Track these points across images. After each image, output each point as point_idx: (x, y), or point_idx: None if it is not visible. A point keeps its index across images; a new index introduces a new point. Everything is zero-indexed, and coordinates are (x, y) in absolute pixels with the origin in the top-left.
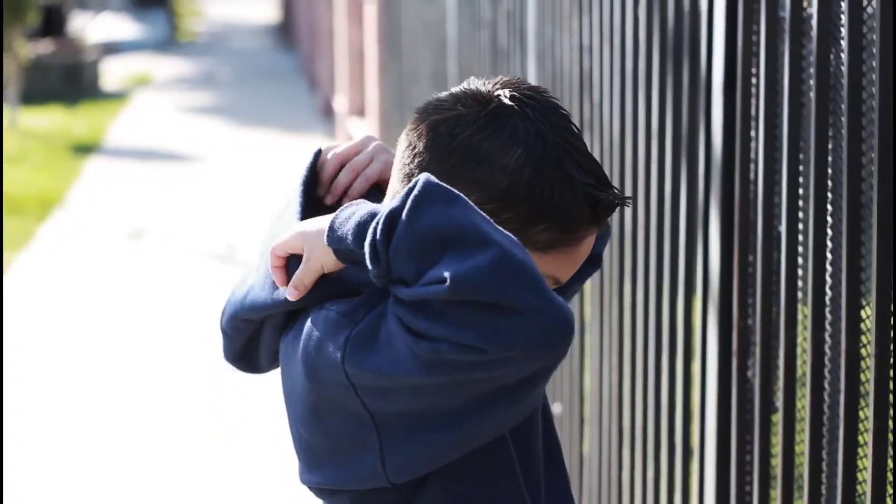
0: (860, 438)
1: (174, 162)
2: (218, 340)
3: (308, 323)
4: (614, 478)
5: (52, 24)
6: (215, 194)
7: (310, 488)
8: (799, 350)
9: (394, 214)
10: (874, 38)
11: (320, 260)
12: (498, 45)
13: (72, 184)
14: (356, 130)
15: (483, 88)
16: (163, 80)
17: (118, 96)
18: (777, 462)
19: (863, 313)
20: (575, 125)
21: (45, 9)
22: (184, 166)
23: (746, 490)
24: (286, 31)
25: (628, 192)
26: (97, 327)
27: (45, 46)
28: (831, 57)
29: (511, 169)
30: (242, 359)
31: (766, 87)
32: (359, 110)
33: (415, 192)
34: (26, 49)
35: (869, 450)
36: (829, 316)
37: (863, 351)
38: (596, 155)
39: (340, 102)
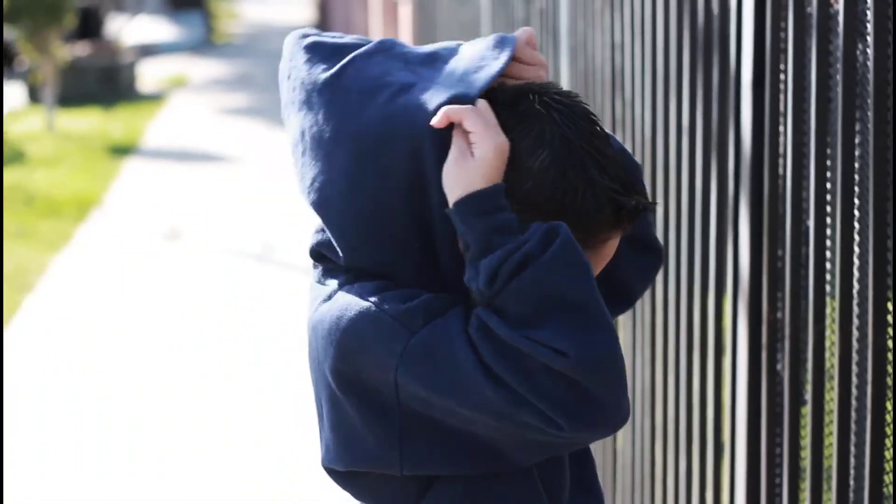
0: (887, 430)
1: (210, 163)
2: (254, 336)
3: (346, 313)
4: (647, 473)
5: (89, 27)
6: (251, 195)
7: (329, 473)
8: (827, 343)
9: (528, 256)
10: None
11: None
12: None
13: (109, 185)
14: None
15: (513, 91)
16: (199, 82)
17: (155, 98)
18: (806, 454)
19: (889, 306)
20: (603, 130)
21: (81, 11)
22: (220, 167)
23: (776, 482)
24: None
25: (659, 188)
26: (134, 327)
27: (81, 49)
28: (858, 53)
29: (536, 171)
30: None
31: (795, 83)
32: None
33: (554, 247)
34: (63, 51)
35: (891, 440)
36: (856, 309)
37: (889, 343)
38: None
39: None
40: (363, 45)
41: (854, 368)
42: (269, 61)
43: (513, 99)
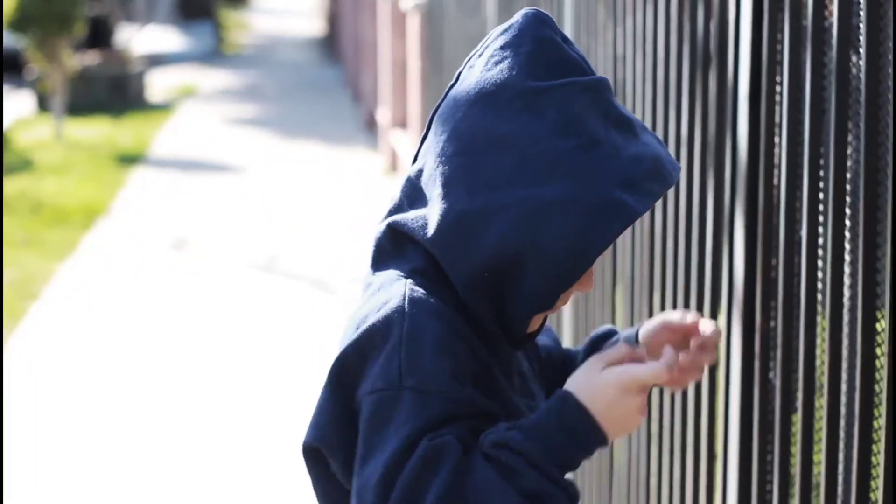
0: (874, 436)
1: (218, 173)
2: (259, 347)
3: (388, 314)
4: (642, 479)
5: (99, 36)
6: (258, 205)
7: (302, 453)
8: (818, 351)
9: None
10: (890, 45)
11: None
12: None
13: (116, 194)
14: (399, 142)
15: None
16: (208, 92)
17: (163, 108)
18: (796, 461)
19: (878, 314)
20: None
21: (91, 20)
22: (228, 177)
23: (767, 489)
24: (331, 45)
25: None
26: (139, 335)
27: (91, 58)
28: (851, 65)
29: None
30: None
31: (790, 94)
32: (401, 122)
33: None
34: (73, 60)
35: (882, 446)
36: (846, 316)
37: (878, 350)
38: None
39: (383, 115)
40: (583, 70)
41: (843, 376)
42: (278, 72)
43: None
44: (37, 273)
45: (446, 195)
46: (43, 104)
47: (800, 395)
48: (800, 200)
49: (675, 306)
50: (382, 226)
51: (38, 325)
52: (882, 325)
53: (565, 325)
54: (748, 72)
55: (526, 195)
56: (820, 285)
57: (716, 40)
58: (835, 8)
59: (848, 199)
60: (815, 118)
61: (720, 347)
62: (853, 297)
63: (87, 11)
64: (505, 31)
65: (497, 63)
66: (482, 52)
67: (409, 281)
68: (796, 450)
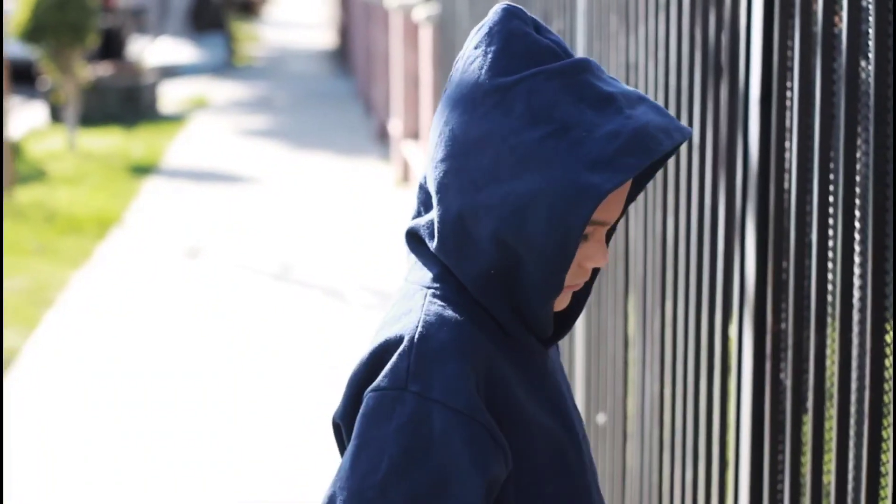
0: (883, 434)
1: (230, 183)
2: (272, 355)
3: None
4: (654, 483)
5: (112, 48)
6: (271, 215)
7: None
8: (829, 352)
9: None
10: None
11: None
12: None
13: (129, 204)
14: (411, 153)
15: None
16: (220, 104)
17: (176, 119)
18: (807, 460)
19: (888, 314)
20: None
21: (104, 32)
22: (240, 188)
23: (778, 489)
24: (342, 57)
25: (671, 203)
26: (152, 341)
27: (104, 69)
28: (860, 70)
29: None
30: None
31: (800, 100)
32: (413, 133)
33: None
34: (86, 71)
35: (891, 444)
36: (856, 317)
37: (887, 350)
38: None
39: (395, 126)
40: (557, 56)
41: (853, 377)
42: (289, 84)
43: None
44: (51, 280)
45: (440, 200)
46: (56, 115)
47: (810, 395)
48: (810, 204)
49: (686, 308)
50: (405, 233)
51: (52, 332)
52: (890, 325)
53: (578, 331)
54: (759, 77)
55: (506, 191)
56: (830, 287)
57: (727, 47)
58: (844, 15)
59: (857, 202)
60: (824, 123)
61: (732, 349)
62: (862, 299)
63: (99, 23)
64: (478, 30)
65: (471, 64)
66: (462, 54)
67: (430, 291)
68: (807, 449)
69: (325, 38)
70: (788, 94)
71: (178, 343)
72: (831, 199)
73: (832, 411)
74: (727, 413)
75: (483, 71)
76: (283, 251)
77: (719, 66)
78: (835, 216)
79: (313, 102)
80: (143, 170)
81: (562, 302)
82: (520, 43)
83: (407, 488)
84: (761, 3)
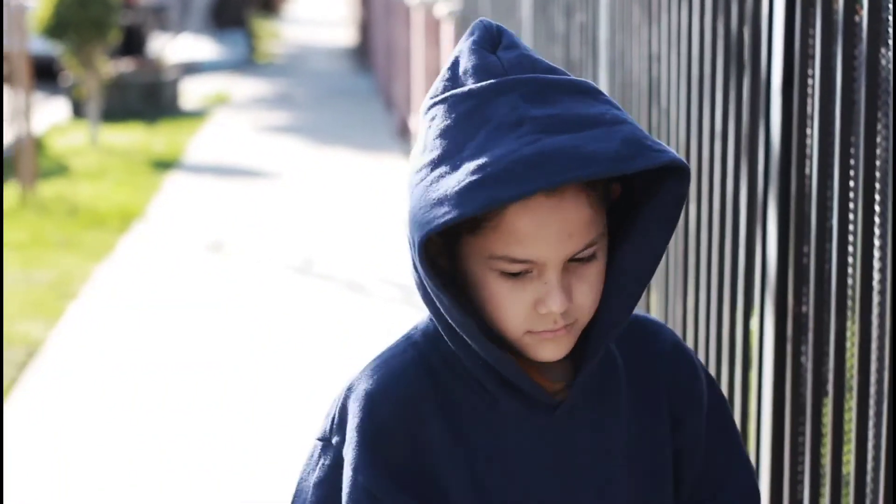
0: None
1: (251, 178)
2: (294, 349)
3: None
4: None
5: (133, 44)
6: (292, 210)
7: None
8: (848, 334)
9: None
10: None
11: None
12: (571, 58)
13: (151, 198)
14: None
15: None
16: (241, 100)
17: (197, 115)
18: (827, 441)
19: None
20: None
21: (126, 29)
22: (261, 183)
23: (799, 469)
24: (363, 54)
25: (693, 189)
26: (175, 334)
27: (125, 65)
28: (881, 57)
29: None
30: None
31: (822, 87)
32: None
33: None
34: (108, 67)
35: None
36: (876, 299)
37: None
38: None
39: (416, 122)
40: (494, 75)
41: (872, 357)
42: (310, 81)
43: None
44: (75, 273)
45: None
46: (78, 110)
47: (830, 376)
48: (831, 189)
49: (709, 291)
50: None
51: (75, 324)
52: None
53: None
54: (781, 65)
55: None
56: (850, 270)
57: (749, 36)
58: (865, 3)
59: (877, 186)
60: (845, 110)
61: (754, 331)
62: (882, 282)
63: (121, 20)
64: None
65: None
66: None
67: (411, 332)
68: (827, 430)
69: (345, 34)
70: (810, 81)
71: (199, 336)
72: (852, 184)
73: (852, 393)
74: (748, 402)
75: (430, 91)
76: (305, 246)
77: (741, 55)
78: (855, 201)
79: (334, 99)
80: (164, 165)
81: (543, 351)
82: (459, 63)
83: None
84: None
